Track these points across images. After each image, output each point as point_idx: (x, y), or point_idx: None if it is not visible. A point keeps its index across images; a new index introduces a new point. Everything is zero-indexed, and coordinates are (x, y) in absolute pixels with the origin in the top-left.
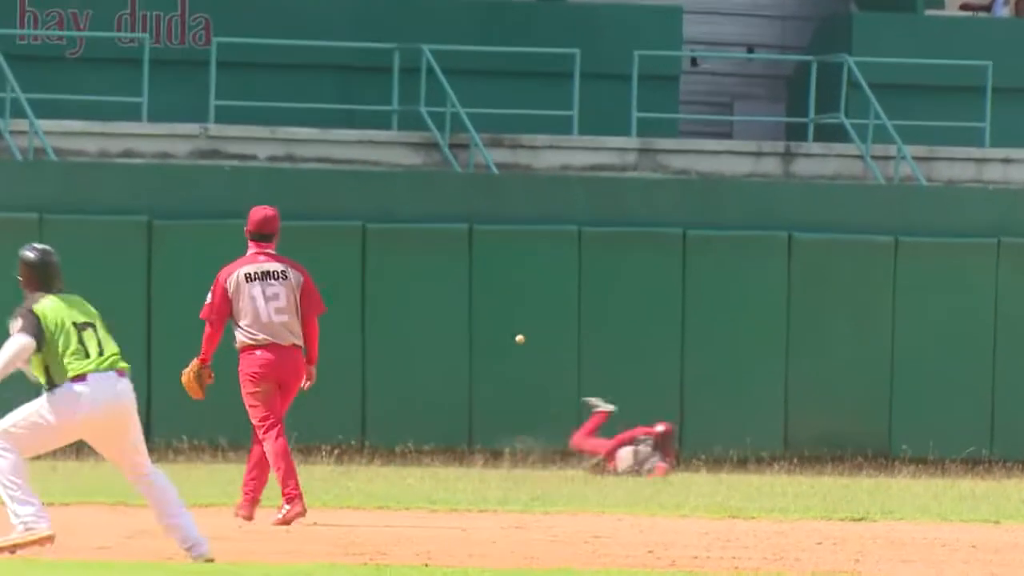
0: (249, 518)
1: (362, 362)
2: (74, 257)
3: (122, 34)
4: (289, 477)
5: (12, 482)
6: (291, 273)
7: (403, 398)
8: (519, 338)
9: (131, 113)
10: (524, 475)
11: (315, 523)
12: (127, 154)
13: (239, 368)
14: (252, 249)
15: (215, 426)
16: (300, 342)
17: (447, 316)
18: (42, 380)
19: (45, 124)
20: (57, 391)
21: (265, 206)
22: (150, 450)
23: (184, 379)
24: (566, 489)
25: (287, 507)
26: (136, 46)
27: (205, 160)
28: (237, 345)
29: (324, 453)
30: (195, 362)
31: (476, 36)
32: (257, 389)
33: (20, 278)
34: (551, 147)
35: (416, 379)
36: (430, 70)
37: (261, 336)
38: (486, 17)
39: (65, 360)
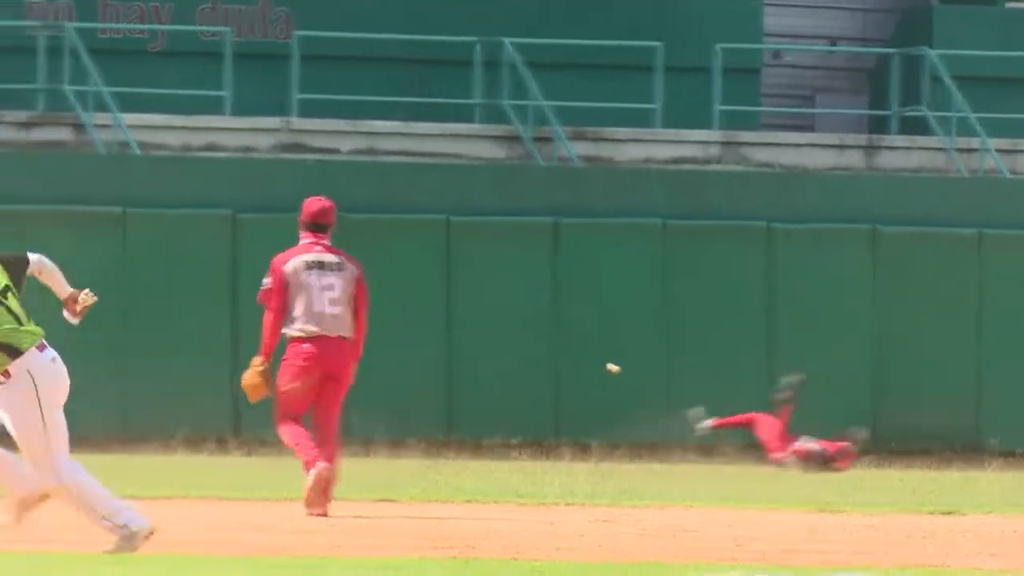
0: (324, 515)
1: (448, 356)
2: (158, 251)
3: (204, 28)
4: (308, 446)
5: (92, 498)
6: (347, 265)
7: (489, 392)
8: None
9: (213, 107)
10: (611, 469)
11: (403, 516)
12: (210, 148)
13: (284, 357)
14: (307, 239)
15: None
16: (349, 335)
17: (531, 309)
18: None
19: (128, 118)
20: (34, 368)
21: (321, 197)
22: (240, 444)
23: (247, 380)
24: (654, 483)
25: (311, 472)
26: (218, 40)
27: (287, 154)
28: (285, 335)
29: (412, 447)
30: (258, 359)
31: (557, 29)
32: (295, 384)
33: None
34: (634, 140)
35: (502, 373)
36: (512, 63)
37: (311, 328)
38: (567, 10)
39: (21, 327)
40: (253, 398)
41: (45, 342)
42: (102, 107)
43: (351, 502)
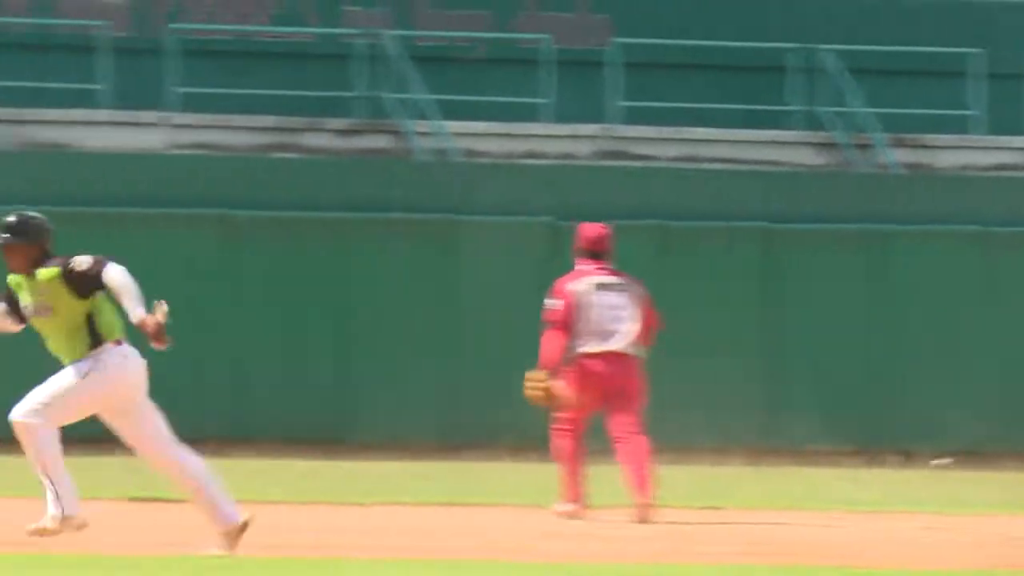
0: (644, 521)
1: (768, 363)
2: (480, 258)
3: (522, 35)
4: (572, 480)
5: (45, 459)
6: (633, 286)
7: (814, 397)
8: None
9: (533, 114)
10: (938, 476)
11: (727, 523)
12: (530, 155)
13: (572, 372)
14: (587, 265)
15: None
16: (635, 352)
17: (852, 316)
18: (85, 337)
19: (449, 125)
20: (104, 353)
21: (597, 223)
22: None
23: (529, 393)
24: (980, 490)
25: (566, 504)
26: (537, 47)
27: (608, 161)
28: (572, 353)
29: (733, 454)
30: (541, 373)
31: (876, 35)
32: (576, 397)
33: (33, 251)
34: (953, 147)
35: (823, 380)
36: (830, 69)
37: (597, 345)
38: (885, 16)
39: (113, 318)
40: (539, 401)
41: (123, 339)
42: (422, 114)
43: (675, 509)
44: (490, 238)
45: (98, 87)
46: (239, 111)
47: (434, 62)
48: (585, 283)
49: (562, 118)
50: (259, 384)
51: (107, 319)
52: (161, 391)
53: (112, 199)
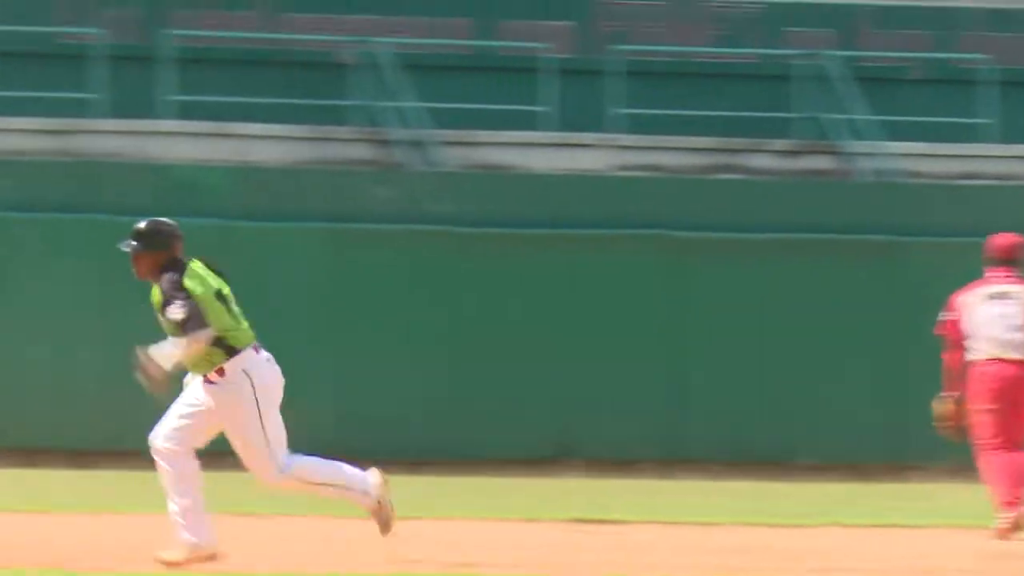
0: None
1: None
2: (928, 278)
3: (964, 55)
4: (1005, 485)
5: (317, 473)
6: None
7: None
8: None
9: (974, 134)
10: None
11: None
12: (969, 176)
13: (970, 383)
14: (993, 273)
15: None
16: None
17: None
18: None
19: (891, 146)
20: (248, 366)
21: (1010, 233)
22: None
23: (940, 413)
24: None
25: (1007, 515)
26: (978, 67)
27: None
28: (968, 360)
29: None
30: (949, 404)
31: None
32: (989, 406)
33: (160, 258)
34: None
35: None
36: None
37: (991, 353)
38: None
39: (235, 322)
40: (948, 433)
41: (259, 345)
42: (867, 135)
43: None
44: (938, 259)
45: (541, 109)
46: (681, 132)
47: (876, 82)
48: (977, 293)
49: (1003, 139)
50: (697, 403)
51: (232, 329)
52: (584, 408)
53: (554, 220)
